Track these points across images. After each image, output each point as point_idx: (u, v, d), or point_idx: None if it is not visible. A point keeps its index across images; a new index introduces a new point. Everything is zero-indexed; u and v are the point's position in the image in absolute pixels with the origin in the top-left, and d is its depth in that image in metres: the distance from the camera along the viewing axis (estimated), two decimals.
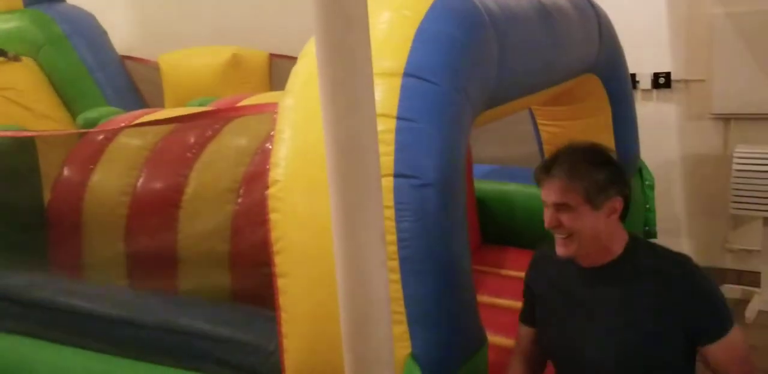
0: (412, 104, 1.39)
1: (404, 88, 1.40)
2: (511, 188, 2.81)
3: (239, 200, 1.99)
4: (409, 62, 1.42)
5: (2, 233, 2.22)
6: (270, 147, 1.48)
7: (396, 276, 1.28)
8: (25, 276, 2.03)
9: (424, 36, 1.45)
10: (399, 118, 1.37)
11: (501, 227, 2.76)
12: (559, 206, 1.35)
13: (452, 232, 1.37)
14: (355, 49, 1.07)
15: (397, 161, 1.33)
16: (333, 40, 1.07)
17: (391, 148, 1.34)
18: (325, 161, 1.14)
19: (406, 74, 1.41)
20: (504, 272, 2.51)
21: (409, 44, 1.44)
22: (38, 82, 3.71)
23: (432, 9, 1.50)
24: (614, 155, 1.43)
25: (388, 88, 1.38)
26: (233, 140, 2.18)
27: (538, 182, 1.39)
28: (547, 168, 1.38)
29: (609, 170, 1.37)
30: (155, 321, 1.68)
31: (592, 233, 1.35)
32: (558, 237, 1.38)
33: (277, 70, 3.89)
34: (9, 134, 2.32)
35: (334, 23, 1.06)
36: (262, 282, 1.47)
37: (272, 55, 3.89)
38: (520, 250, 2.60)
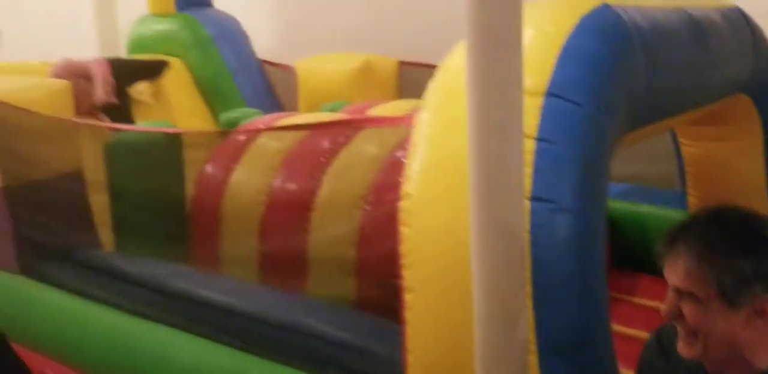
0: (553, 124, 1.36)
1: (545, 108, 1.37)
2: (646, 210, 2.66)
3: (368, 208, 2.04)
4: (552, 81, 1.39)
5: (148, 224, 2.40)
6: (400, 156, 1.51)
7: (529, 303, 1.26)
8: (167, 266, 2.19)
9: (568, 54, 1.42)
10: (538, 139, 1.35)
11: (633, 251, 2.62)
12: (682, 293, 1.03)
13: (589, 260, 1.32)
14: (508, 67, 1.06)
15: (534, 183, 1.31)
16: (485, 59, 1.06)
17: (530, 170, 1.31)
18: (460, 178, 1.14)
19: (549, 94, 1.38)
20: (636, 300, 2.40)
21: (552, 62, 1.41)
22: (185, 82, 3.99)
23: (578, 26, 1.46)
24: None
25: (529, 107, 1.36)
26: (365, 148, 2.23)
27: (660, 256, 1.08)
28: (672, 240, 1.06)
29: (762, 256, 1.01)
30: (286, 321, 1.74)
31: (725, 337, 1.02)
32: (680, 331, 1.07)
33: (404, 76, 3.95)
34: (165, 129, 2.50)
35: (487, 41, 1.05)
36: (387, 292, 1.50)
37: (401, 63, 3.95)
38: (653, 277, 2.43)
